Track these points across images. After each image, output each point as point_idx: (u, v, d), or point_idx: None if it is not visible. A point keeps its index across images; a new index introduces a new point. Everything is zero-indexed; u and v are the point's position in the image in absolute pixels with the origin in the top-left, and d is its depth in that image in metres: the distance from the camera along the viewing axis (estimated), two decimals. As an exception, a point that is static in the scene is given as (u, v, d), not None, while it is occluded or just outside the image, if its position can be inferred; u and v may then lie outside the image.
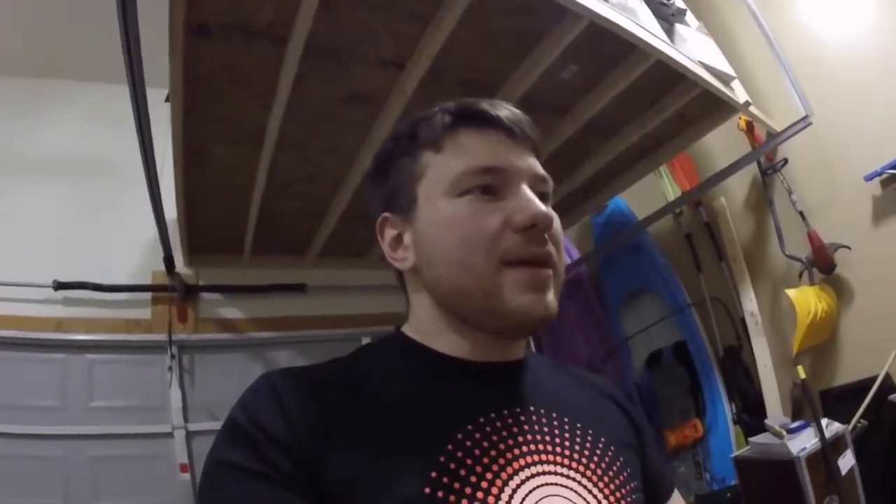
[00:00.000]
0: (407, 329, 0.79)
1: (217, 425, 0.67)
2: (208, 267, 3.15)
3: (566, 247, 3.55)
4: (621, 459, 0.74)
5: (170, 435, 2.82)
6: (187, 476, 2.74)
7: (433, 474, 0.61)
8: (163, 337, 2.92)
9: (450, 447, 0.63)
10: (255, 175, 2.39)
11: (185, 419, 2.87)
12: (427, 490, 0.59)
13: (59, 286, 2.79)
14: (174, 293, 2.99)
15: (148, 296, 3.01)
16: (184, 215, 2.65)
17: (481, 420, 0.67)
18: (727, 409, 2.74)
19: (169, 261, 2.84)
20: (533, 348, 3.57)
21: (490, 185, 0.70)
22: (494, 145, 0.72)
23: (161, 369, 2.91)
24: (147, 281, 3.02)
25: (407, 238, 0.76)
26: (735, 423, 2.69)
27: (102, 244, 2.98)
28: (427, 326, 0.76)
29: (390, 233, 0.78)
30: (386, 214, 0.78)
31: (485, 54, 1.99)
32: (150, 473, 2.75)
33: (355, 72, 1.94)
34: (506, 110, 0.74)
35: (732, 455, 2.18)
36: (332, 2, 1.62)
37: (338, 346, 3.29)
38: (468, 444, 0.64)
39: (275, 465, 0.59)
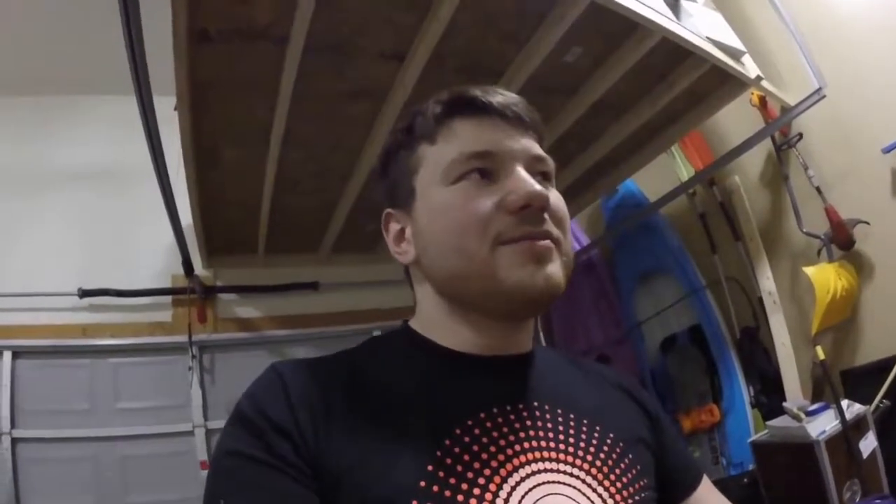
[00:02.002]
0: (413, 323, 0.79)
1: None
2: (225, 268, 3.22)
3: (575, 233, 3.54)
4: (630, 456, 0.72)
5: (191, 433, 2.89)
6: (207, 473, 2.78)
7: (429, 468, 0.61)
8: (183, 338, 3.00)
9: (448, 442, 0.63)
10: (264, 174, 2.42)
11: (206, 417, 2.95)
12: (422, 483, 0.59)
13: (84, 294, 2.88)
14: (193, 295, 3.06)
15: (168, 299, 3.09)
16: (199, 218, 2.69)
17: (482, 415, 0.66)
18: (745, 392, 2.70)
19: (187, 264, 2.90)
20: (542, 334, 3.57)
21: (483, 168, 0.70)
22: (487, 130, 0.72)
23: (182, 369, 2.97)
24: (167, 284, 3.10)
25: (408, 231, 0.76)
26: (753, 406, 2.64)
27: (124, 251, 3.07)
28: (431, 319, 0.76)
29: (394, 227, 0.78)
30: (389, 210, 0.79)
31: (485, 40, 1.98)
32: (175, 470, 2.82)
33: (356, 67, 1.95)
34: (499, 95, 0.74)
35: (750, 439, 2.16)
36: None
37: (351, 342, 3.17)
38: (467, 439, 0.64)
39: (278, 453, 0.60)
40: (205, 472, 2.73)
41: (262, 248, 3.12)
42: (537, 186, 0.68)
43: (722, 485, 2.33)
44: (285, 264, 3.33)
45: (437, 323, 0.75)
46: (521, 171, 0.70)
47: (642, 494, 0.70)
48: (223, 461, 0.62)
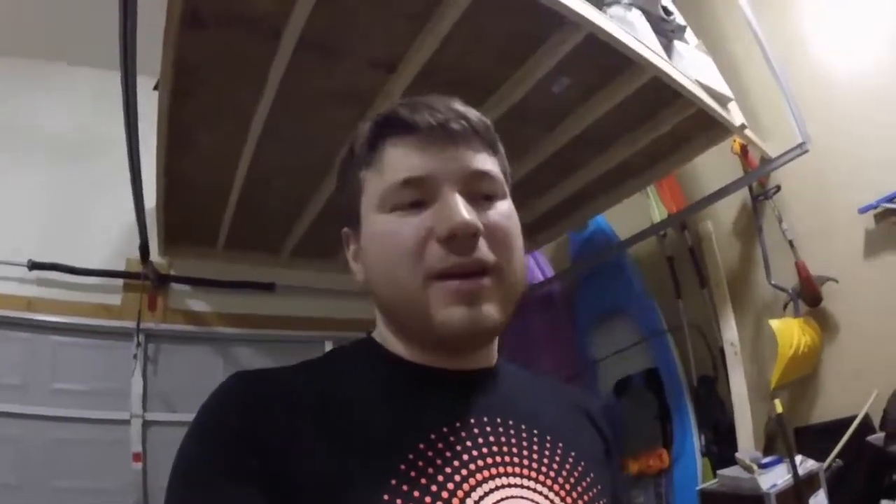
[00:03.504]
0: (376, 334, 0.77)
1: (173, 416, 0.66)
2: (182, 258, 3.12)
3: (539, 263, 3.53)
4: (592, 475, 0.72)
5: (127, 422, 2.78)
6: (139, 466, 2.72)
7: (393, 482, 0.59)
8: (131, 324, 2.89)
9: (411, 456, 0.62)
10: (237, 167, 2.36)
11: (144, 408, 2.85)
12: (386, 497, 0.58)
13: (34, 266, 2.77)
14: (146, 281, 2.96)
15: (120, 282, 2.98)
16: (163, 203, 2.62)
17: (445, 430, 0.65)
18: (696, 440, 2.69)
19: (144, 248, 2.79)
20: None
21: (415, 199, 0.68)
22: (416, 153, 0.68)
23: (126, 356, 2.87)
24: (121, 267, 2.99)
25: (360, 252, 0.75)
26: (704, 454, 2.63)
27: (80, 227, 2.96)
28: (385, 335, 0.75)
29: (352, 246, 0.77)
30: (345, 230, 0.78)
31: (477, 59, 1.95)
32: (105, 459, 2.71)
33: (346, 70, 1.91)
34: (432, 112, 0.70)
35: (698, 487, 2.13)
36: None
37: (302, 348, 3.29)
38: (430, 454, 0.63)
39: (242, 466, 0.58)
40: (137, 466, 2.70)
41: (222, 242, 3.04)
42: (464, 214, 0.65)
43: (665, 532, 2.34)
44: (244, 261, 3.25)
45: (390, 339, 0.74)
46: (452, 197, 0.66)
47: None
48: (183, 474, 0.60)
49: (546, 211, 2.93)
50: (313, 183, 2.56)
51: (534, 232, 3.17)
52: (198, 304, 3.17)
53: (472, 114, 0.72)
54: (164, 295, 3.07)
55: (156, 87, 1.89)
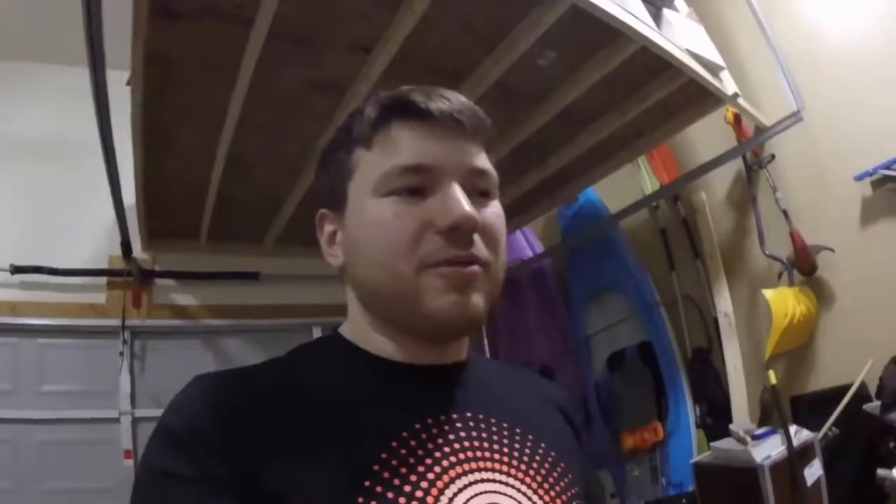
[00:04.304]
0: (343, 329, 0.76)
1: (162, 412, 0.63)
2: (165, 252, 3.09)
3: (528, 238, 3.50)
4: (562, 465, 0.72)
5: (117, 420, 2.77)
6: (130, 462, 2.72)
7: (366, 484, 0.58)
8: (116, 322, 2.86)
9: (384, 456, 0.61)
10: (215, 159, 2.32)
11: (133, 405, 2.85)
12: (360, 500, 0.57)
13: (16, 270, 2.74)
14: (130, 278, 2.92)
15: (104, 280, 2.95)
16: (142, 199, 2.59)
17: (417, 426, 0.65)
18: (691, 413, 2.69)
19: (126, 245, 2.75)
20: (487, 344, 3.51)
21: (416, 185, 0.66)
22: (425, 140, 0.67)
23: (113, 354, 2.84)
24: (104, 265, 2.95)
25: (339, 236, 0.74)
26: (698, 427, 2.63)
27: (61, 228, 2.93)
28: (359, 327, 0.73)
29: (328, 228, 0.76)
30: (323, 210, 0.77)
31: (457, 39, 1.91)
32: (97, 458, 2.71)
33: (322, 57, 1.87)
34: (441, 100, 0.69)
35: (693, 460, 2.13)
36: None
37: (290, 336, 3.26)
38: (403, 452, 0.62)
39: (209, 472, 0.56)
40: (128, 462, 2.69)
41: (204, 234, 3.01)
42: (467, 208, 0.64)
43: (660, 504, 2.35)
44: (227, 252, 3.22)
45: (363, 331, 0.73)
46: (454, 190, 0.66)
47: (574, 502, 0.70)
48: (148, 481, 0.59)
49: (535, 186, 2.89)
50: (294, 171, 2.52)
51: (523, 208, 3.13)
52: (183, 298, 3.14)
53: (479, 111, 0.71)
54: (149, 291, 3.04)
55: (129, 83, 1.84)
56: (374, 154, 0.68)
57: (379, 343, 0.71)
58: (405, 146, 0.67)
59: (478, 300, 0.66)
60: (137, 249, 2.90)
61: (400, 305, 0.66)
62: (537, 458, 0.70)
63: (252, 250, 3.25)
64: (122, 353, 2.83)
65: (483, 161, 0.70)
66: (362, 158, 0.70)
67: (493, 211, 0.70)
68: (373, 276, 0.68)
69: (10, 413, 2.64)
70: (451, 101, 0.69)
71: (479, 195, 0.69)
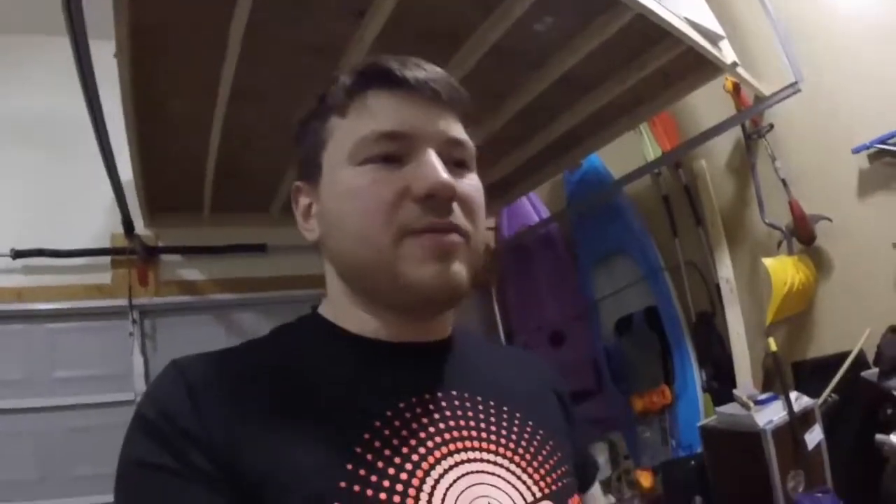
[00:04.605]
0: (323, 308, 0.75)
1: None
2: (169, 227, 3.04)
3: (535, 204, 3.50)
4: (551, 443, 0.72)
5: (133, 402, 2.74)
6: None
7: (349, 467, 0.58)
8: (123, 302, 2.84)
9: (367, 437, 0.60)
10: (210, 129, 2.28)
11: (147, 386, 2.79)
12: (343, 484, 0.56)
13: (17, 255, 2.69)
14: (134, 255, 2.88)
15: (108, 260, 2.91)
16: (140, 175, 2.54)
17: (401, 406, 0.64)
18: (697, 377, 2.73)
19: (127, 223, 2.71)
20: (497, 311, 3.52)
21: (392, 152, 0.66)
22: (401, 107, 0.67)
23: (123, 335, 2.83)
24: (107, 244, 2.91)
25: (314, 208, 0.73)
26: (705, 390, 2.67)
27: (60, 209, 2.86)
28: (339, 304, 0.73)
29: (303, 201, 0.75)
30: (298, 183, 0.76)
31: (453, 2, 1.86)
32: (115, 442, 2.65)
33: (313, 20, 1.82)
34: (418, 69, 0.69)
35: (699, 424, 2.18)
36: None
37: (299, 308, 3.15)
38: (387, 432, 0.61)
39: (187, 461, 0.56)
40: None
41: (207, 206, 2.96)
42: (444, 175, 0.64)
43: (671, 466, 2.41)
44: (232, 224, 3.17)
45: (343, 309, 0.72)
46: (431, 157, 0.65)
47: (564, 480, 0.70)
48: (128, 473, 0.58)
49: (537, 152, 2.87)
50: (295, 138, 2.47)
51: (527, 174, 3.13)
52: (190, 274, 3.10)
53: (456, 83, 0.71)
54: (155, 268, 3.00)
55: (116, 55, 1.77)
56: (350, 121, 0.68)
57: (359, 321, 0.70)
58: (382, 112, 0.66)
59: (459, 269, 0.65)
60: (140, 226, 2.85)
61: (379, 277, 0.65)
62: (525, 436, 0.69)
63: (258, 220, 3.20)
64: (132, 334, 2.82)
65: (460, 132, 0.70)
66: (337, 127, 0.69)
67: (471, 183, 0.70)
68: (350, 247, 0.67)
69: (25, 402, 2.63)
70: (428, 70, 0.69)
71: (455, 165, 0.69)
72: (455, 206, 0.66)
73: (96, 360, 2.79)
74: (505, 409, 0.71)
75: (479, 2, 1.88)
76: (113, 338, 2.83)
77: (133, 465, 0.58)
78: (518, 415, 0.71)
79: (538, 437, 0.71)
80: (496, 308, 3.61)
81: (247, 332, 3.08)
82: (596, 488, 0.86)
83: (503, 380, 0.77)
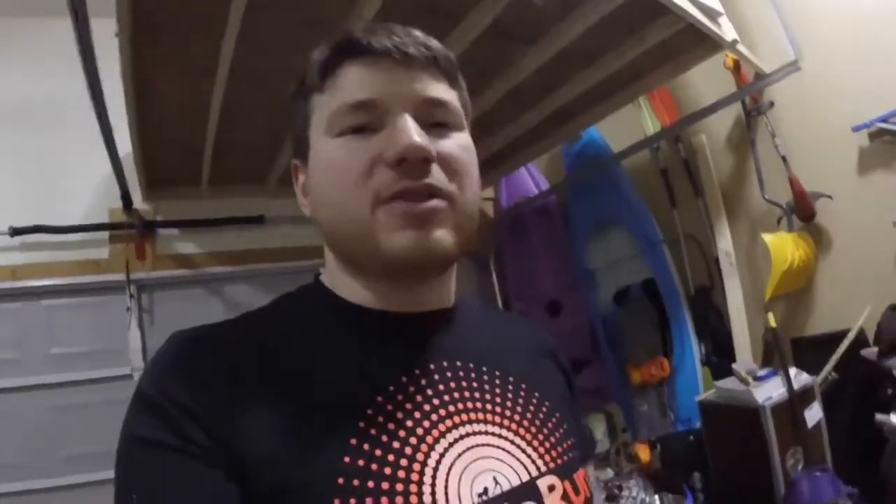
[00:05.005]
0: (323, 276, 0.76)
1: None
2: (167, 200, 3.03)
3: (534, 176, 3.48)
4: (558, 415, 0.72)
5: (130, 377, 2.77)
6: None
7: (353, 441, 0.58)
8: (121, 276, 2.85)
9: (370, 412, 0.60)
10: (209, 107, 2.27)
11: (145, 360, 2.83)
12: (347, 459, 0.56)
13: (15, 232, 2.69)
14: (132, 230, 2.89)
15: (106, 235, 2.91)
16: (139, 149, 2.53)
17: (404, 379, 0.64)
18: (696, 350, 2.72)
19: (126, 197, 2.71)
20: (496, 280, 3.52)
21: (365, 122, 0.65)
22: (371, 75, 0.66)
23: (120, 310, 2.84)
24: (104, 219, 2.91)
25: (307, 183, 0.73)
26: (704, 364, 2.67)
27: (57, 185, 2.87)
28: (335, 274, 0.73)
29: (301, 179, 0.75)
30: (295, 161, 0.76)
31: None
32: (112, 419, 2.66)
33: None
34: (387, 34, 0.68)
35: (697, 398, 2.18)
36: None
37: (297, 279, 3.14)
38: (389, 407, 0.61)
39: (188, 438, 0.56)
40: None
41: (205, 179, 2.96)
42: (415, 137, 0.63)
43: (669, 440, 2.43)
44: (230, 195, 3.16)
45: (339, 278, 0.72)
46: (403, 120, 0.64)
47: (570, 454, 0.70)
48: (129, 450, 0.58)
49: (536, 125, 2.84)
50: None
51: (525, 145, 3.10)
52: (187, 247, 3.11)
53: (434, 43, 0.70)
54: (153, 242, 3.01)
55: (117, 34, 1.76)
56: (326, 97, 0.68)
57: (354, 290, 0.70)
58: (351, 84, 0.66)
59: (441, 235, 0.64)
60: (138, 201, 2.85)
61: (359, 247, 0.65)
62: (531, 408, 0.69)
63: (255, 192, 3.19)
64: (129, 309, 2.82)
65: (440, 91, 0.69)
66: (317, 102, 0.70)
67: (456, 141, 0.68)
68: (330, 218, 0.67)
69: (20, 381, 2.64)
70: (398, 34, 0.68)
71: (435, 126, 0.67)
72: (435, 167, 0.64)
73: (93, 336, 2.80)
74: (511, 380, 0.70)
75: None
76: (109, 313, 2.84)
77: (133, 441, 0.58)
78: (524, 385, 0.71)
79: (544, 409, 0.70)
80: (494, 277, 3.61)
81: (244, 305, 3.06)
82: (589, 467, 0.85)
83: (508, 350, 0.76)
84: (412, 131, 0.63)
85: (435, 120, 0.67)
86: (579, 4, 2.02)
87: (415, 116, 0.65)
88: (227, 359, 0.62)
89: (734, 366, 2.10)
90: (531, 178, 3.52)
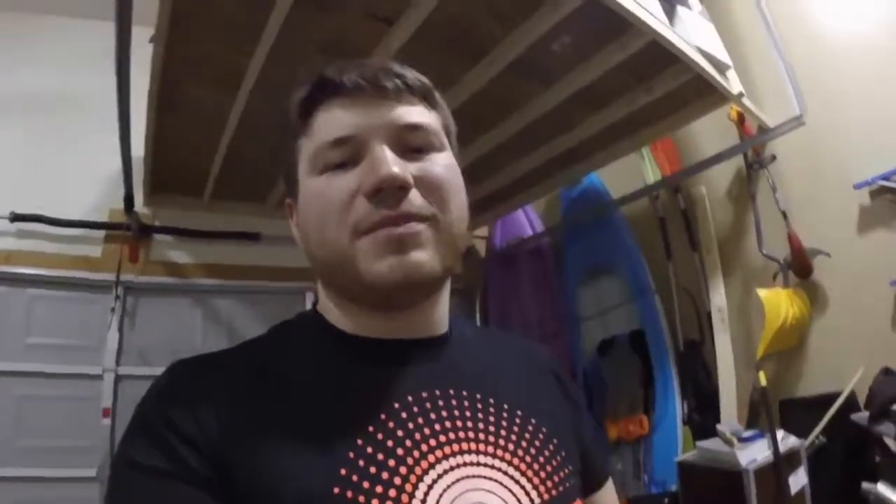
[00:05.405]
0: (320, 306, 0.75)
1: (147, 370, 0.66)
2: (167, 207, 3.07)
3: (529, 216, 3.48)
4: (555, 442, 0.70)
5: (100, 377, 2.75)
6: (108, 421, 2.70)
7: (342, 472, 0.57)
8: (110, 276, 2.84)
9: (360, 442, 0.59)
10: (227, 118, 2.32)
11: (118, 362, 2.81)
12: (336, 490, 0.55)
13: (16, 218, 2.71)
14: (128, 232, 2.90)
15: (101, 233, 2.93)
16: (151, 153, 2.58)
17: (396, 406, 0.63)
18: (678, 408, 2.66)
19: (129, 199, 2.75)
20: (479, 318, 3.54)
21: (345, 158, 0.66)
22: (345, 112, 0.67)
23: (103, 309, 2.83)
24: (103, 218, 2.93)
25: (298, 221, 0.73)
26: (685, 423, 2.61)
27: (60, 179, 2.89)
28: (327, 305, 0.72)
29: (294, 217, 0.74)
30: (288, 200, 0.76)
31: (478, 16, 1.88)
32: (75, 415, 2.69)
33: (342, 23, 1.86)
34: (357, 70, 0.68)
35: (676, 459, 2.13)
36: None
37: (284, 299, 3.25)
38: (380, 436, 0.60)
39: (181, 461, 0.56)
40: (106, 421, 2.68)
41: (208, 192, 3.00)
42: (389, 166, 0.63)
43: (642, 502, 2.35)
44: (229, 211, 3.20)
45: (331, 309, 0.71)
46: (378, 150, 0.64)
47: (567, 483, 0.68)
48: (121, 473, 0.58)
49: (539, 166, 2.87)
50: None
51: (525, 186, 3.12)
52: (180, 256, 3.11)
53: (406, 70, 0.71)
54: (146, 246, 3.02)
55: (152, 40, 1.85)
56: (308, 138, 0.69)
57: (347, 319, 0.70)
58: (327, 123, 0.67)
59: (422, 257, 0.63)
60: (139, 204, 2.89)
61: (343, 276, 0.65)
62: (526, 436, 0.68)
63: (254, 210, 3.22)
64: (113, 309, 2.81)
65: (414, 115, 0.68)
66: (301, 144, 0.70)
67: (435, 162, 0.68)
68: (316, 252, 0.67)
69: None
70: (369, 68, 0.68)
71: (414, 151, 0.67)
72: (413, 193, 0.64)
73: (72, 331, 2.79)
74: (506, 406, 0.69)
75: (503, 18, 1.91)
76: (92, 311, 2.84)
77: (126, 465, 0.57)
78: (519, 413, 0.69)
79: (540, 436, 0.69)
80: (478, 315, 3.61)
81: (227, 320, 3.14)
82: (608, 489, 0.82)
83: (504, 375, 0.75)
84: (387, 160, 0.63)
85: (413, 145, 0.67)
86: (595, 51, 2.07)
87: (392, 144, 0.66)
88: (226, 384, 0.62)
89: (719, 426, 2.06)
90: (527, 219, 3.53)
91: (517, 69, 2.09)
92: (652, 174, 2.85)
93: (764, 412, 2.16)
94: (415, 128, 0.68)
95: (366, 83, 0.67)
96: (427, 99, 0.72)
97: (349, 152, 0.66)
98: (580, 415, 0.81)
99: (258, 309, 3.18)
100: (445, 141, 0.72)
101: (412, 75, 0.71)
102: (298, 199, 0.71)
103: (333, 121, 0.67)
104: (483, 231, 3.71)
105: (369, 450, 0.59)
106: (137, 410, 0.61)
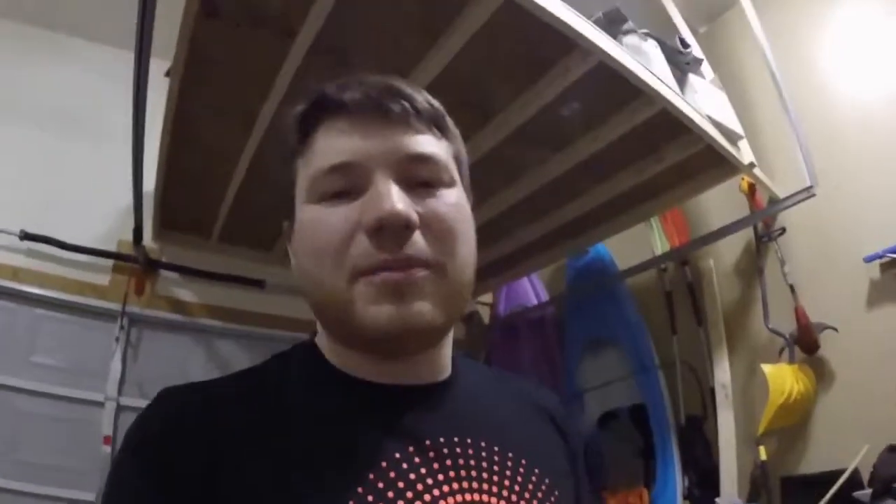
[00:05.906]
0: (318, 338, 0.71)
1: (147, 403, 0.62)
2: (174, 245, 3.09)
3: (535, 286, 3.48)
4: (556, 494, 0.67)
5: (101, 404, 2.73)
6: (108, 449, 2.66)
7: None
8: (116, 306, 2.85)
9: (360, 490, 0.56)
10: (239, 160, 2.34)
11: (120, 392, 2.79)
12: None
13: (26, 236, 2.73)
14: (136, 264, 2.93)
15: (109, 263, 2.94)
16: (162, 188, 2.61)
17: (397, 455, 0.60)
18: (678, 483, 2.60)
19: (138, 231, 2.79)
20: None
21: (345, 186, 0.62)
22: (347, 135, 0.63)
23: (106, 337, 2.83)
24: (112, 248, 2.95)
25: (293, 248, 0.70)
26: (685, 497, 2.55)
27: (74, 204, 2.92)
28: (325, 341, 0.69)
29: (293, 240, 0.71)
30: (285, 223, 0.72)
31: (487, 78, 1.93)
32: (74, 439, 2.66)
33: (355, 75, 1.89)
34: (360, 87, 0.65)
35: (675, 536, 2.07)
36: (347, 2, 1.56)
37: (285, 347, 3.16)
38: (381, 485, 0.57)
39: (172, 489, 0.55)
40: (106, 448, 2.64)
41: (216, 234, 3.02)
42: (394, 203, 0.58)
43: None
44: (236, 255, 3.22)
45: (330, 345, 0.68)
46: (382, 184, 0.60)
47: None
48: (109, 498, 0.58)
49: (545, 234, 2.87)
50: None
51: (532, 254, 3.12)
52: (185, 294, 3.12)
53: (416, 93, 0.67)
54: (153, 280, 3.03)
55: (167, 74, 1.88)
56: (305, 159, 0.66)
57: (346, 359, 0.67)
58: (326, 146, 0.64)
59: (423, 308, 0.59)
60: (147, 238, 2.93)
61: (337, 317, 0.62)
62: (530, 486, 0.65)
63: (260, 257, 3.24)
64: (117, 339, 2.81)
65: (422, 145, 0.64)
66: (298, 165, 0.67)
67: (443, 201, 0.63)
68: (308, 286, 0.64)
69: None
70: (371, 84, 0.65)
71: (421, 186, 0.63)
72: (418, 234, 0.60)
73: (76, 355, 2.78)
74: (510, 455, 0.66)
75: (513, 82, 1.95)
76: (97, 338, 2.83)
77: (118, 492, 0.57)
78: (523, 462, 0.66)
79: (543, 488, 0.66)
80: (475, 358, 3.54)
81: (228, 362, 3.11)
82: None
83: (508, 422, 0.71)
84: (392, 196, 0.59)
85: (420, 179, 0.63)
86: (605, 119, 2.10)
87: (397, 177, 0.61)
88: (219, 415, 0.60)
89: (718, 500, 2.01)
90: (531, 288, 3.52)
91: (525, 134, 2.11)
92: (660, 245, 2.86)
93: (764, 490, 2.11)
94: (422, 159, 0.63)
95: (369, 104, 0.63)
96: (437, 125, 0.68)
97: (350, 180, 0.62)
98: (577, 464, 0.78)
99: (258, 354, 3.08)
100: (456, 175, 0.68)
101: (421, 98, 0.67)
102: (294, 224, 0.67)
103: (332, 145, 0.63)
104: (487, 297, 3.69)
105: (370, 498, 0.56)
106: (127, 435, 0.60)
